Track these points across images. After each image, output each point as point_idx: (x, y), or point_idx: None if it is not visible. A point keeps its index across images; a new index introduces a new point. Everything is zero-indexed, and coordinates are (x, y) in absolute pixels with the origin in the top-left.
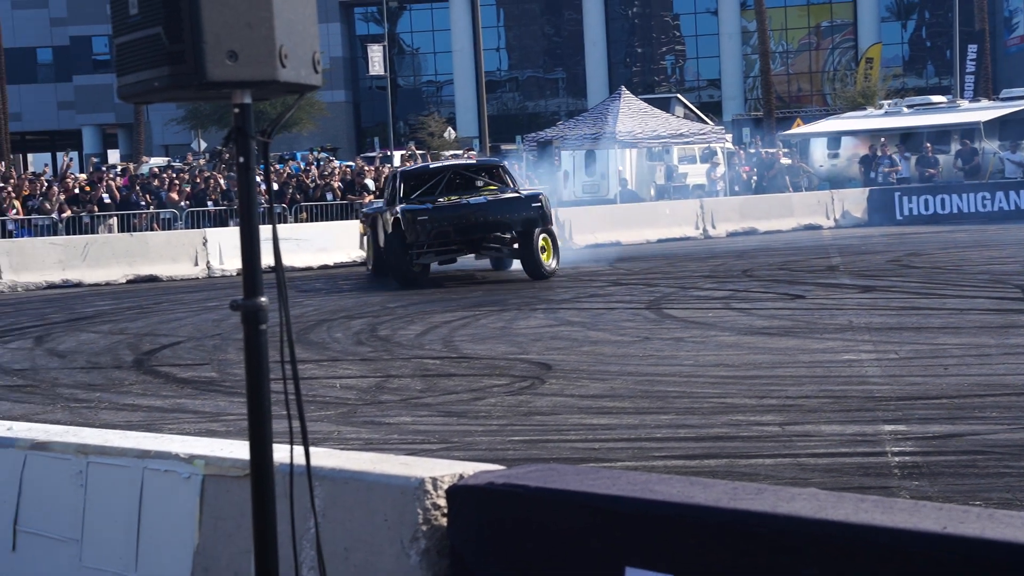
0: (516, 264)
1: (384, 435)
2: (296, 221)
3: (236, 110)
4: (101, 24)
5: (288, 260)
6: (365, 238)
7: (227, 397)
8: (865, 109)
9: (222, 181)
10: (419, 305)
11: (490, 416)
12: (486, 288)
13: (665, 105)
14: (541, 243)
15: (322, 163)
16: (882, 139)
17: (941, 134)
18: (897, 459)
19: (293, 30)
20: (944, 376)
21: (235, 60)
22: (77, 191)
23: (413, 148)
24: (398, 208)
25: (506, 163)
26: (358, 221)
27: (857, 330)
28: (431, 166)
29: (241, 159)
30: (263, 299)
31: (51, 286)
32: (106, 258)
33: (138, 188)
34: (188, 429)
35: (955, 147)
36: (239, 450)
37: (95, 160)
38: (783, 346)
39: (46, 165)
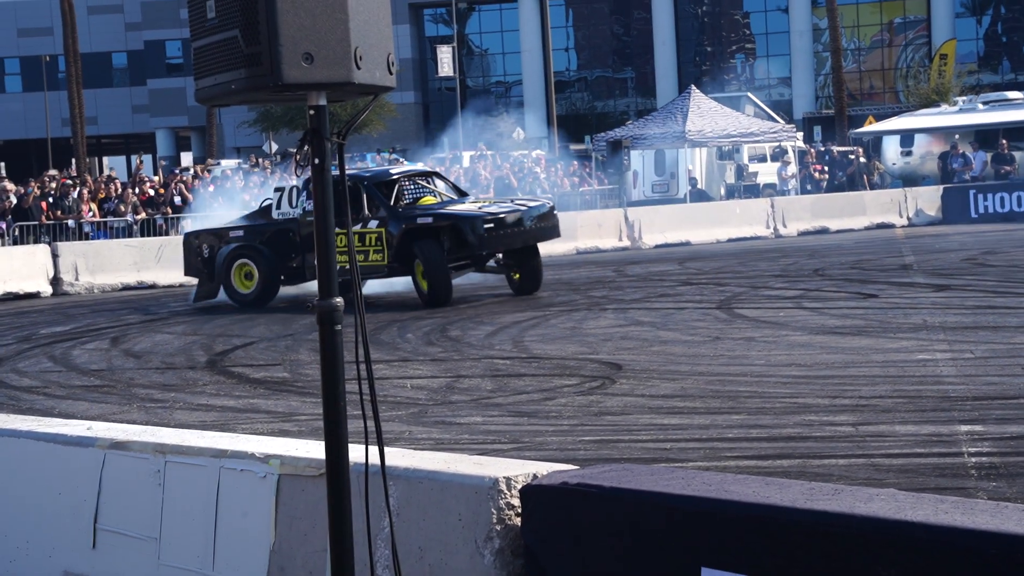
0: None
1: (455, 435)
2: None
3: (311, 112)
4: (174, 28)
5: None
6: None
7: (299, 397)
8: (939, 106)
9: (293, 181)
10: (488, 306)
11: (561, 416)
12: (553, 290)
13: (735, 104)
14: None
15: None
16: (956, 136)
17: (1018, 131)
18: (974, 460)
19: (368, 32)
20: (1021, 376)
21: (311, 62)
22: (152, 193)
23: (484, 148)
24: (428, 217)
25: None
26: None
27: (932, 329)
28: (392, 172)
29: (316, 160)
30: (338, 300)
31: (126, 288)
32: (180, 260)
33: (211, 189)
34: (261, 429)
35: None
36: (314, 450)
37: (163, 163)
38: (856, 346)
39: (111, 168)
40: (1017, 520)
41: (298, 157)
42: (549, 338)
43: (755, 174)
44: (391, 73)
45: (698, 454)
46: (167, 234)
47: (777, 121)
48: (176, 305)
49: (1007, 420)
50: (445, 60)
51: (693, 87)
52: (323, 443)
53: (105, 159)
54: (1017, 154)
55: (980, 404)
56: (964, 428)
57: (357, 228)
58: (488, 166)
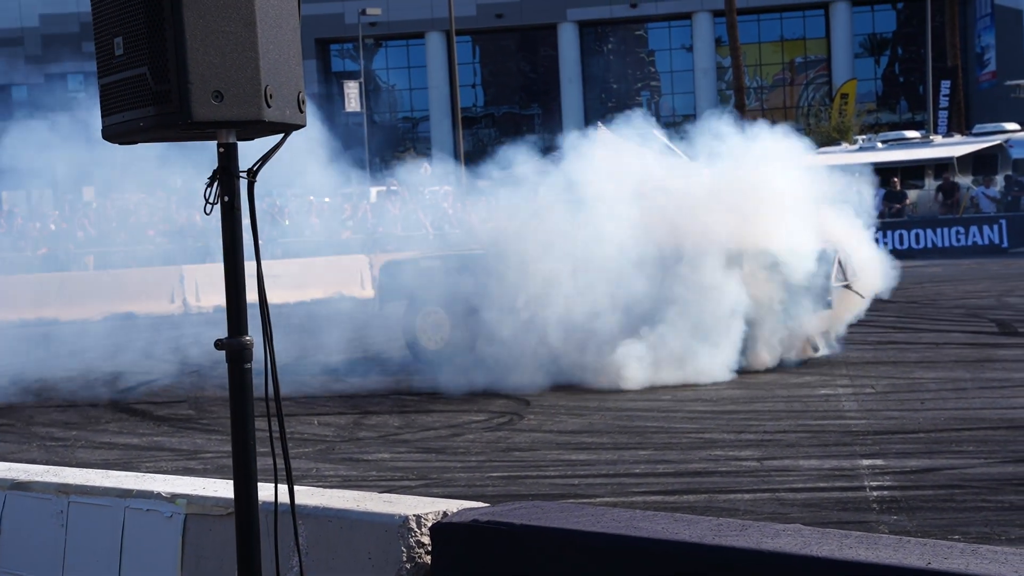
0: None
1: (362, 472)
2: (273, 257)
3: (221, 150)
4: (76, 62)
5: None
6: None
7: (205, 435)
8: (839, 144)
9: (198, 219)
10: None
11: (468, 452)
12: None
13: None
14: None
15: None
16: (857, 175)
17: (915, 168)
18: (875, 493)
19: (278, 70)
20: (921, 410)
21: (221, 100)
22: (54, 227)
23: (395, 183)
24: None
25: None
26: None
27: (834, 364)
28: None
29: (226, 198)
30: (248, 338)
31: (25, 324)
32: (81, 295)
33: (114, 224)
34: (166, 467)
35: (929, 181)
36: (221, 489)
37: (68, 197)
38: (760, 381)
39: (16, 207)
40: (919, 554)
41: (205, 194)
42: (457, 374)
43: None
44: (301, 111)
45: (606, 489)
46: (68, 269)
47: (682, 158)
48: (76, 341)
49: (907, 454)
50: (352, 95)
51: (599, 124)
52: (230, 482)
53: (4, 193)
54: (914, 192)
55: (881, 438)
56: (866, 462)
57: None
58: (398, 202)
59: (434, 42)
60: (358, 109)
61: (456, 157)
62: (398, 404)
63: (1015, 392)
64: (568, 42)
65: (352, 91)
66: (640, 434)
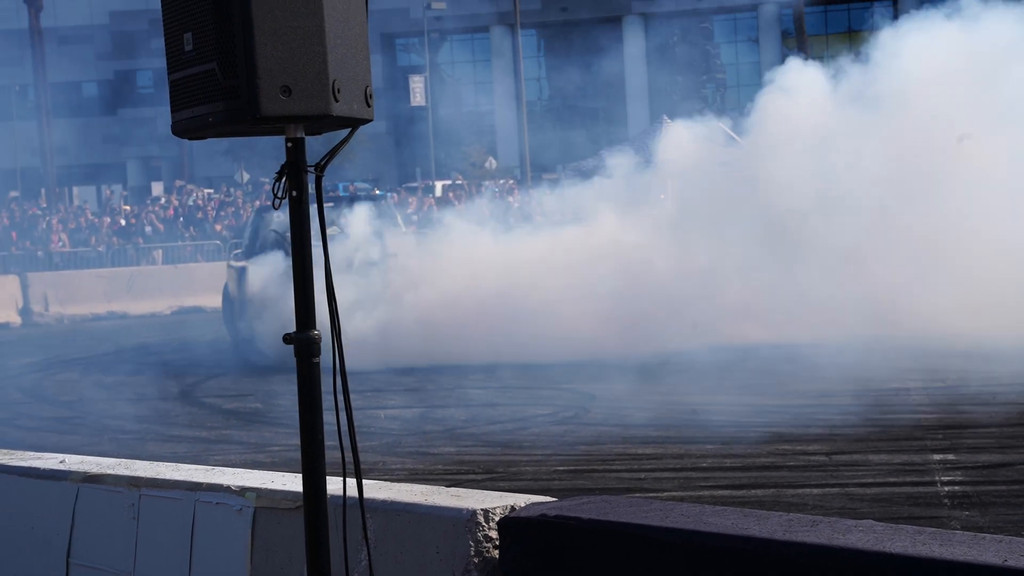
0: None
1: (429, 465)
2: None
3: (289, 144)
4: (145, 58)
5: None
6: None
7: (272, 428)
8: None
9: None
10: None
11: (535, 446)
12: None
13: None
14: None
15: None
16: None
17: None
18: (947, 489)
19: (346, 64)
20: (993, 404)
21: (289, 95)
22: (124, 223)
23: (461, 177)
24: None
25: None
26: None
27: (902, 357)
28: None
29: (294, 193)
30: (316, 332)
31: (97, 318)
32: (151, 290)
33: (181, 220)
34: (234, 460)
35: None
36: (290, 482)
37: (124, 194)
38: (828, 375)
39: (86, 202)
40: (995, 551)
41: (274, 189)
42: (522, 368)
43: None
44: (369, 105)
45: (672, 484)
46: (139, 264)
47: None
48: (146, 335)
49: (979, 449)
50: (417, 90)
51: (664, 117)
52: (299, 475)
53: (75, 188)
54: None
55: (952, 433)
56: (937, 457)
57: None
58: (463, 196)
59: (499, 35)
60: (423, 103)
61: (521, 150)
62: (463, 397)
63: None
64: (633, 34)
65: (417, 85)
66: (706, 427)
